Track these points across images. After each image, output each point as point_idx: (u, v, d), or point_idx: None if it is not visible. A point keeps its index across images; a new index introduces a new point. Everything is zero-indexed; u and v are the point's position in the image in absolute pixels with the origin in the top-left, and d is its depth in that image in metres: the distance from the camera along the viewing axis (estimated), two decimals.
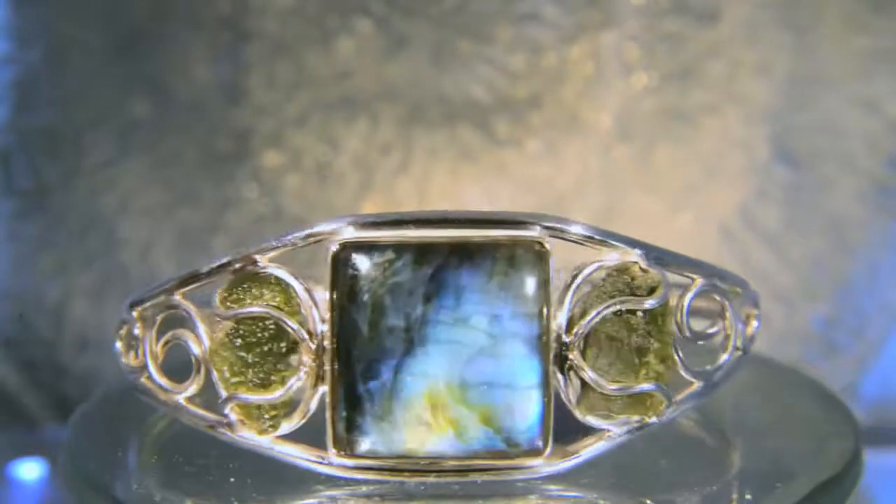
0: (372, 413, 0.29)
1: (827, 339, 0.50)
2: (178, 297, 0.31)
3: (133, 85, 0.49)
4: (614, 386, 0.30)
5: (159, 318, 0.32)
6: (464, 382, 0.29)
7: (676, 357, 0.31)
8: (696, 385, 0.31)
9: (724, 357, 0.32)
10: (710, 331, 0.32)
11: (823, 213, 0.50)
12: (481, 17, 0.49)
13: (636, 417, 0.30)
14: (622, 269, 0.31)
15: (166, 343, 0.32)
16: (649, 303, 0.30)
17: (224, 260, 0.31)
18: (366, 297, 0.29)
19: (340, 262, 0.29)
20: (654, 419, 0.31)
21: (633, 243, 0.31)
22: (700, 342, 0.31)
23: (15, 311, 0.50)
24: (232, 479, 0.31)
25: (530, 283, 0.29)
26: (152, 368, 0.32)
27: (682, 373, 0.31)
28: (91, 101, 0.50)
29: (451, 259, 0.29)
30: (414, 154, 0.50)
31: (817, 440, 0.34)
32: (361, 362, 0.29)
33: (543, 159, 0.50)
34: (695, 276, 0.32)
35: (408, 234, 0.29)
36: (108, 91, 0.49)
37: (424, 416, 0.29)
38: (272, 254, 0.31)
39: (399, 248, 0.29)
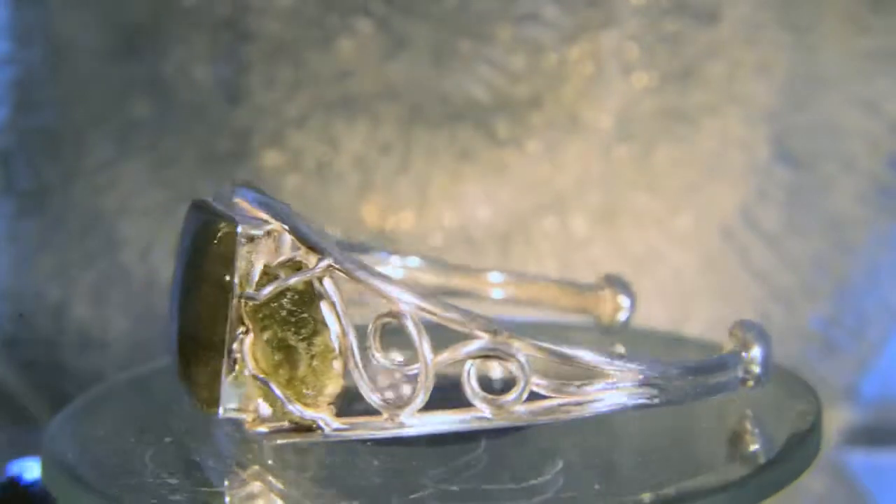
0: None
1: (827, 339, 0.50)
2: None
3: (133, 85, 0.49)
4: (258, 373, 0.29)
5: None
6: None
7: (361, 376, 0.28)
8: (384, 418, 0.28)
9: (416, 397, 0.28)
10: (407, 367, 0.28)
11: (823, 213, 0.50)
12: (481, 17, 0.49)
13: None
14: (275, 264, 0.30)
15: None
16: (251, 294, 0.29)
17: None
18: None
19: None
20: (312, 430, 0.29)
21: (320, 244, 0.29)
22: (393, 372, 0.28)
23: (15, 311, 0.50)
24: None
25: (206, 256, 0.30)
26: None
27: (369, 399, 0.28)
28: (91, 101, 0.50)
29: (192, 215, 0.31)
30: (414, 154, 0.50)
31: (784, 405, 0.33)
32: None
33: (543, 159, 0.50)
34: (399, 298, 0.28)
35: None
36: (108, 91, 0.49)
37: None
38: None
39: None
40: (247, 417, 0.30)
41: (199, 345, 0.30)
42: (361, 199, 0.50)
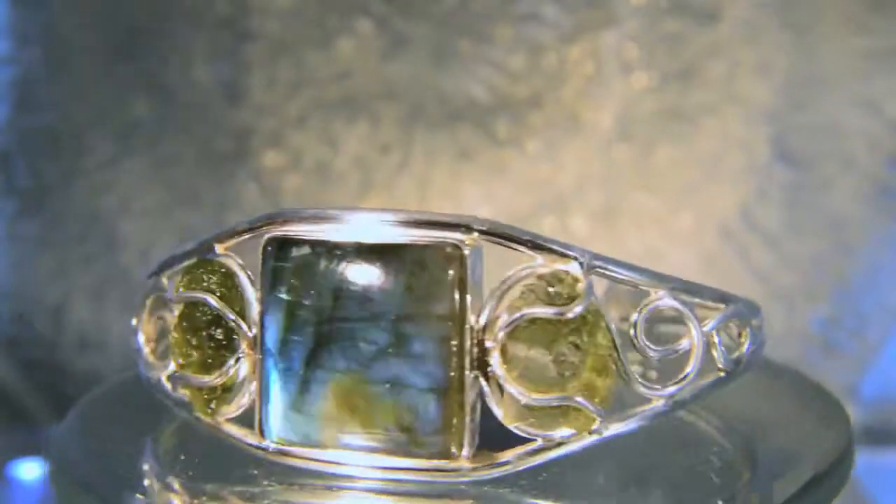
0: (285, 402, 0.30)
1: (827, 339, 0.50)
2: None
3: (133, 85, 0.49)
4: (534, 396, 0.29)
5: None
6: (369, 379, 0.29)
7: (624, 370, 0.29)
8: (657, 402, 0.30)
9: (687, 370, 0.30)
10: (678, 346, 0.30)
11: (823, 213, 0.50)
12: (481, 17, 0.49)
13: (568, 430, 0.29)
14: (547, 276, 0.30)
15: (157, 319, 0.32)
16: (551, 311, 0.29)
17: (187, 248, 0.31)
18: (282, 291, 0.30)
19: (267, 256, 0.30)
20: (589, 434, 0.29)
21: (569, 249, 0.30)
22: (664, 356, 0.29)
23: (15, 311, 0.50)
24: (183, 457, 0.32)
25: (439, 285, 0.29)
26: (142, 342, 0.32)
27: (638, 388, 0.29)
28: (91, 101, 0.50)
29: (361, 258, 0.29)
30: (414, 154, 0.50)
31: (810, 434, 0.33)
32: (276, 353, 0.30)
33: (543, 159, 0.50)
34: (654, 288, 0.30)
35: (334, 231, 0.30)
36: (108, 91, 0.49)
37: (332, 410, 0.29)
38: (229, 242, 0.31)
39: (314, 244, 0.30)
40: None
41: (411, 387, 0.30)
42: (361, 199, 0.50)
